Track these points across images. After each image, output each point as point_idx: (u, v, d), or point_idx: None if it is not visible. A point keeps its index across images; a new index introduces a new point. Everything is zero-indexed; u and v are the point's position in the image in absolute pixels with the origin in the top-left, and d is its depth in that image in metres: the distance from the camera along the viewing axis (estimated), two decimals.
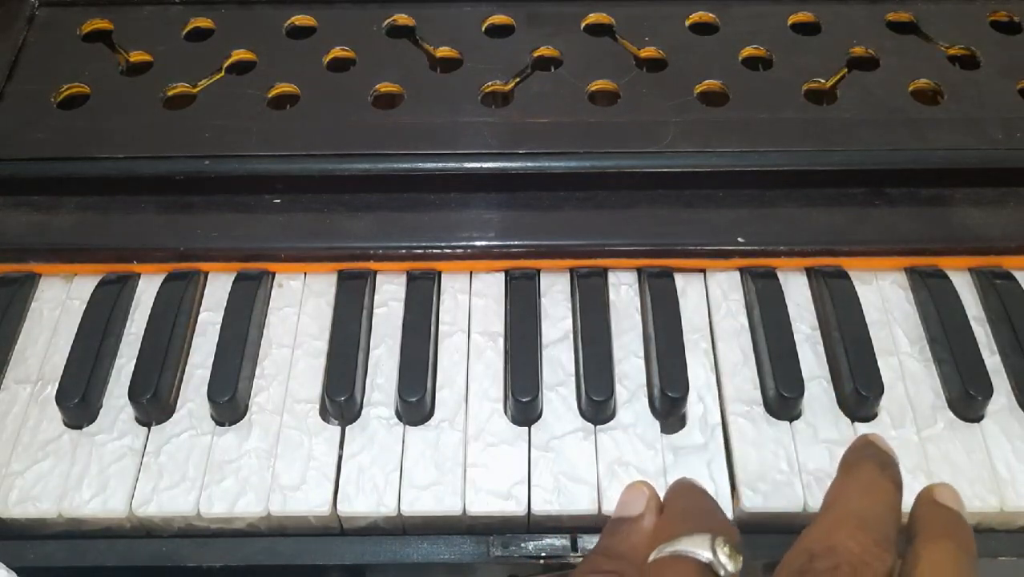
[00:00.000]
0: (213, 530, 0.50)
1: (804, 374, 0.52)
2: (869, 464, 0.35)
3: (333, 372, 0.53)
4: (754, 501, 0.49)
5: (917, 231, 0.58)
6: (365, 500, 0.49)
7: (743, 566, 0.32)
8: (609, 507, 0.48)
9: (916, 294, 0.57)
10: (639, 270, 0.58)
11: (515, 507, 0.49)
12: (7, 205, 0.59)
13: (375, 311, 0.57)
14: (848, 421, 0.52)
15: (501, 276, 0.58)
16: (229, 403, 0.52)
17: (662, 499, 0.38)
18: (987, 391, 0.52)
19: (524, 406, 0.51)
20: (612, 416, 0.52)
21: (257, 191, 0.59)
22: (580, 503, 0.49)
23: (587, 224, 0.58)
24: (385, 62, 0.64)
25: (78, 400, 0.52)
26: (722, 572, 0.31)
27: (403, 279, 0.57)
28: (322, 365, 0.54)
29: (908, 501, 0.39)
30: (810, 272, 0.58)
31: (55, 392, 0.52)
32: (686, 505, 0.35)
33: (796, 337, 0.54)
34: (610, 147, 0.59)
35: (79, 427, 0.52)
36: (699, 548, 0.31)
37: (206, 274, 0.58)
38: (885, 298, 0.57)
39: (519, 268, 0.58)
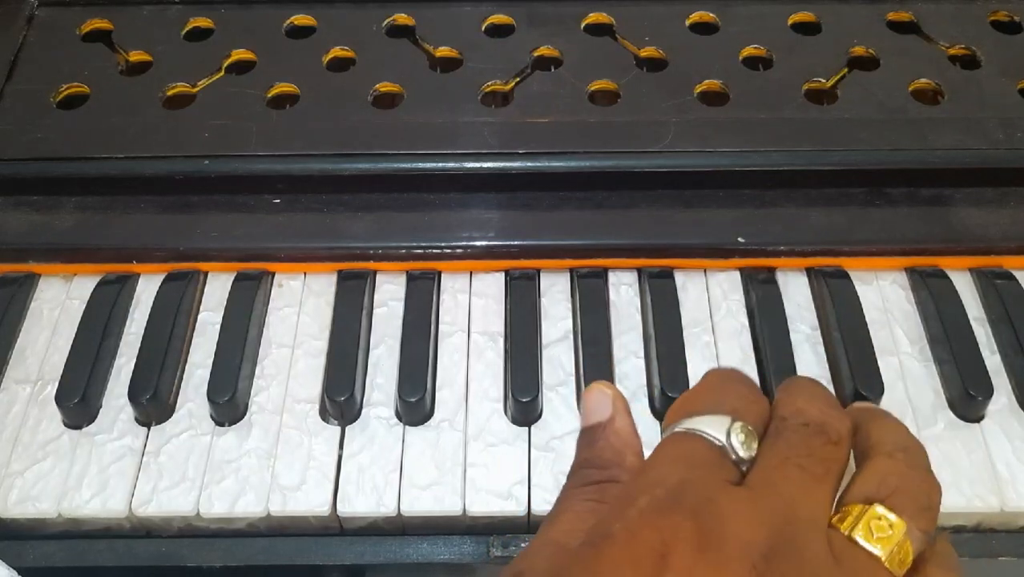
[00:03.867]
0: (213, 530, 0.50)
1: (804, 374, 0.52)
2: (798, 377, 0.38)
3: (333, 372, 0.53)
4: None
5: (917, 231, 0.58)
6: (365, 500, 0.49)
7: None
8: None
9: (916, 294, 0.57)
10: (639, 270, 0.58)
11: (515, 507, 0.49)
12: (7, 205, 0.59)
13: (375, 311, 0.56)
14: None
15: (501, 276, 0.58)
16: (229, 403, 0.52)
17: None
18: (987, 391, 0.52)
19: (524, 406, 0.51)
20: None
21: (257, 191, 0.59)
22: None
23: (587, 224, 0.58)
24: (385, 62, 0.64)
25: (78, 400, 0.52)
26: (733, 456, 0.31)
27: (403, 279, 0.57)
28: (322, 365, 0.54)
29: None
30: (810, 272, 0.58)
31: (55, 392, 0.52)
32: (714, 381, 0.35)
33: (796, 337, 0.54)
34: (610, 147, 0.59)
35: (79, 427, 0.52)
36: (714, 429, 0.32)
37: (206, 274, 0.58)
38: (885, 298, 0.57)
39: (519, 268, 0.58)
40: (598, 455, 0.35)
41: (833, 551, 0.29)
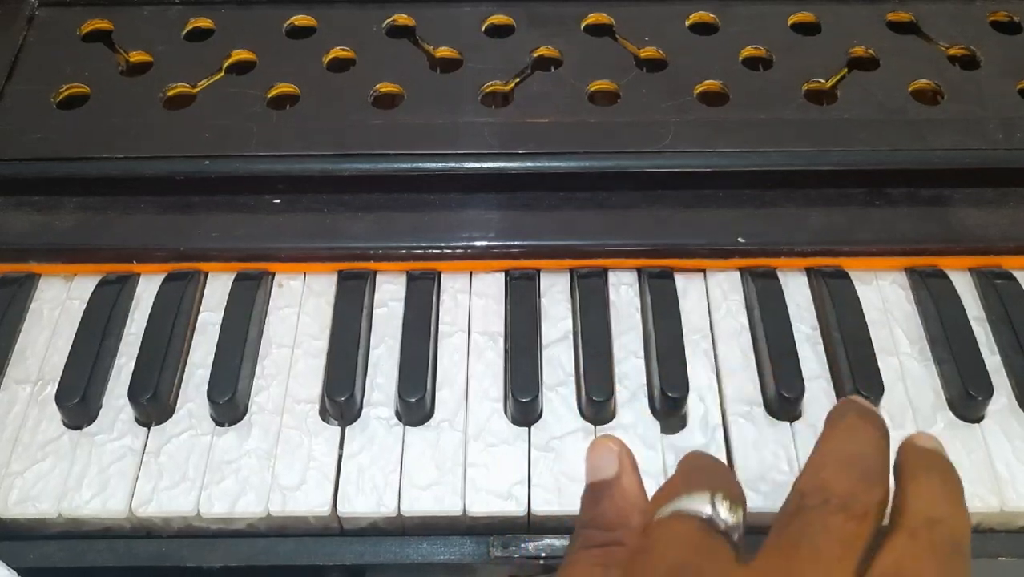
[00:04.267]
0: (213, 530, 0.50)
1: (804, 374, 0.52)
2: (850, 413, 0.36)
3: (333, 372, 0.53)
4: (755, 501, 0.49)
5: (917, 231, 0.58)
6: (365, 500, 0.49)
7: (744, 518, 0.32)
8: None
9: (916, 294, 0.57)
10: (639, 270, 0.58)
11: (515, 507, 0.49)
12: (7, 205, 0.59)
13: (375, 311, 0.57)
14: None
15: (501, 276, 0.58)
16: (229, 403, 0.52)
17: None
18: (987, 391, 0.52)
19: (524, 406, 0.51)
20: (612, 416, 0.52)
21: (257, 191, 0.59)
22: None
23: (587, 224, 0.58)
24: (385, 62, 0.64)
25: (78, 400, 0.52)
26: (722, 525, 0.31)
27: (403, 279, 0.57)
28: (322, 365, 0.54)
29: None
30: (810, 272, 0.58)
31: (55, 392, 0.52)
32: (687, 468, 0.35)
33: (796, 337, 0.54)
34: (610, 147, 0.59)
35: (79, 427, 0.52)
36: (698, 504, 0.32)
37: (206, 274, 0.58)
38: (885, 298, 0.57)
39: (519, 268, 0.58)
40: (602, 514, 0.35)
41: None
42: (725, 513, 0.31)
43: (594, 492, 0.36)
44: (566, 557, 0.35)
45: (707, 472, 0.34)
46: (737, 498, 0.32)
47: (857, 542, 0.31)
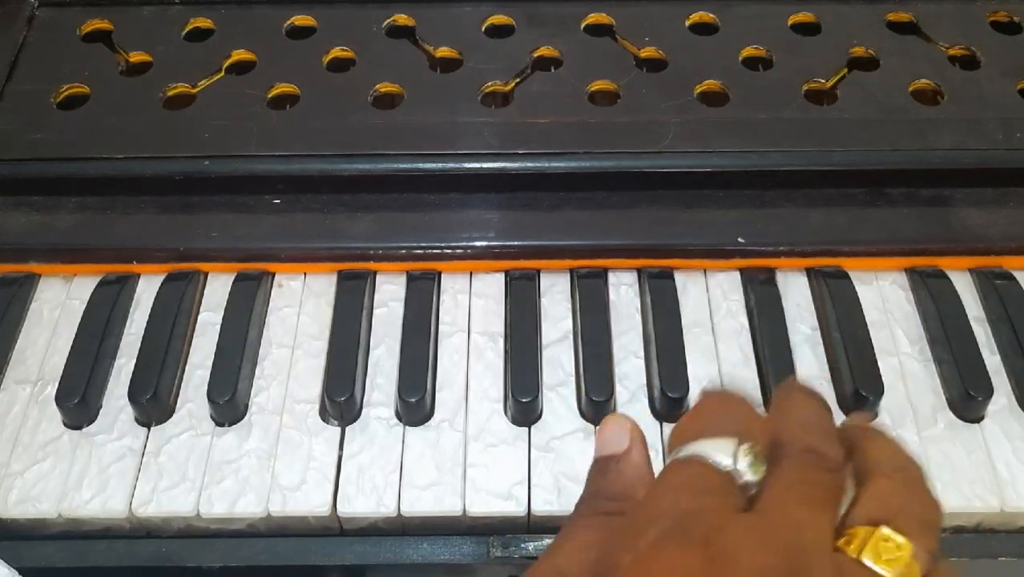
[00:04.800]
0: (213, 530, 0.50)
1: (804, 375, 0.52)
2: (798, 388, 0.36)
3: (333, 372, 0.53)
4: None
5: (917, 231, 0.58)
6: (365, 500, 0.49)
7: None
8: None
9: (916, 294, 0.57)
10: (639, 270, 0.58)
11: (515, 507, 0.49)
12: (7, 205, 0.59)
13: (375, 311, 0.56)
14: None
15: (501, 276, 0.58)
16: (229, 403, 0.52)
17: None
18: (987, 391, 0.52)
19: (524, 406, 0.51)
20: None
21: (257, 191, 0.59)
22: None
23: (587, 224, 0.58)
24: (385, 62, 0.64)
25: (78, 400, 0.52)
26: (740, 481, 0.30)
27: (403, 279, 0.57)
28: (322, 365, 0.54)
29: None
30: (810, 272, 0.58)
31: (55, 392, 0.52)
32: (715, 401, 0.34)
33: (796, 337, 0.54)
34: (610, 147, 0.59)
35: (79, 427, 0.52)
36: (719, 452, 0.31)
37: (206, 274, 0.58)
38: (885, 298, 0.57)
39: (519, 268, 0.58)
40: (610, 486, 0.35)
41: (842, 575, 0.29)
42: (746, 469, 0.31)
43: (602, 464, 0.36)
44: (566, 524, 0.34)
45: (736, 411, 0.33)
46: (763, 451, 0.31)
47: (835, 490, 0.31)
